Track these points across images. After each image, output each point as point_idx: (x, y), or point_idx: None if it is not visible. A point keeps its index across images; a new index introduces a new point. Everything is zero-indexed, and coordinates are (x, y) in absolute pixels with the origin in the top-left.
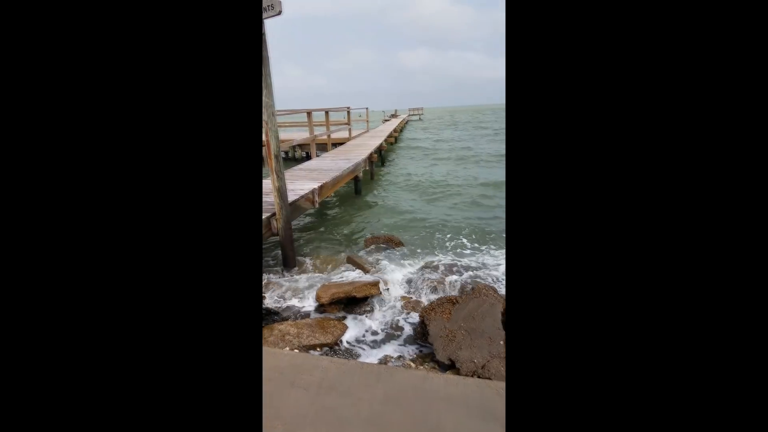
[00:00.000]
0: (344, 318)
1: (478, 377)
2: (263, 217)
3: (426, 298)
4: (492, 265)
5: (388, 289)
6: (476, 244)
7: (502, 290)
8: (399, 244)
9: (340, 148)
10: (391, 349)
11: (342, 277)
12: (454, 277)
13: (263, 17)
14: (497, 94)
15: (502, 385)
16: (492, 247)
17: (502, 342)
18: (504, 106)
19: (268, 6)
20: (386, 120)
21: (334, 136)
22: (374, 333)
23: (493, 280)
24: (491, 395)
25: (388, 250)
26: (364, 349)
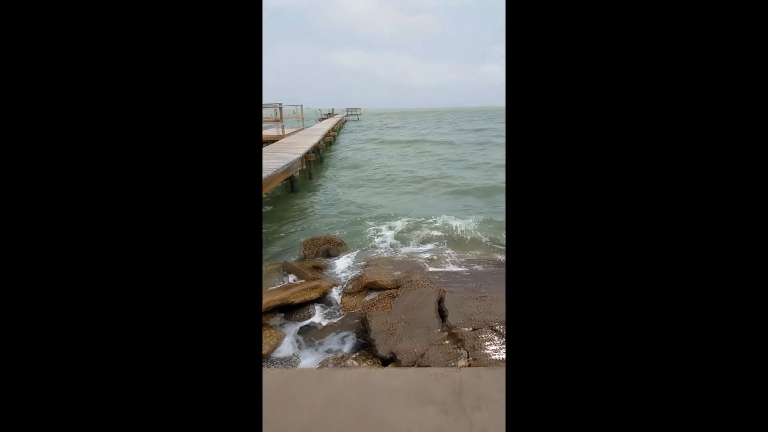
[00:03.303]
0: (282, 325)
1: (418, 366)
2: None
3: (367, 296)
4: (425, 258)
5: (327, 291)
6: (413, 237)
7: (436, 279)
8: (339, 243)
9: (272, 146)
10: (333, 351)
11: (279, 285)
12: (395, 272)
13: None
14: (433, 98)
15: (440, 370)
16: (426, 238)
17: (438, 330)
18: (437, 110)
19: None
20: (322, 119)
21: (264, 133)
22: (315, 337)
23: (425, 268)
24: (429, 381)
25: (328, 251)
26: (304, 355)
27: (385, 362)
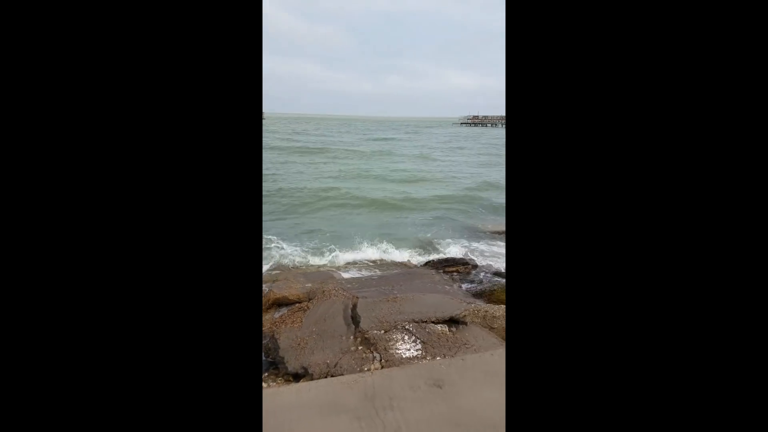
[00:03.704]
0: None
1: (331, 376)
2: None
3: (276, 312)
4: (338, 266)
5: None
6: (324, 249)
7: (349, 287)
8: None
9: None
10: None
11: None
12: (306, 284)
13: None
14: (339, 106)
15: (352, 377)
16: (338, 249)
17: (351, 337)
18: (343, 117)
19: None
20: None
21: None
22: None
23: (338, 277)
24: (341, 390)
25: None
26: None
27: (296, 378)
